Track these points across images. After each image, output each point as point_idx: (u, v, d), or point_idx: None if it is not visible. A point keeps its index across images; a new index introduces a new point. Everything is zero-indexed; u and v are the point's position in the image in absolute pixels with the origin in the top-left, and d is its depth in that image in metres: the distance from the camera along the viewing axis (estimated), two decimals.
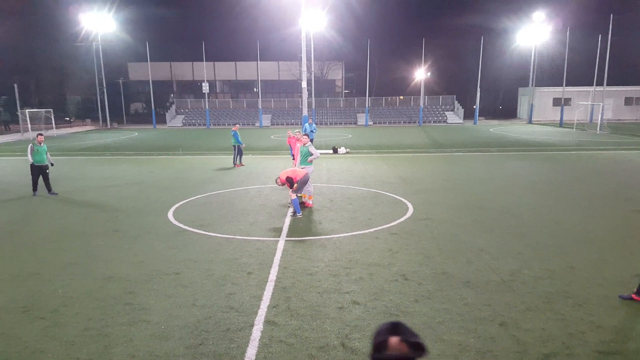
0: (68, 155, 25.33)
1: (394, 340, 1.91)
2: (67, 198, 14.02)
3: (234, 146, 20.22)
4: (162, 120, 54.76)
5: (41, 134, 14.72)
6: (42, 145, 14.30)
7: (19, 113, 39.43)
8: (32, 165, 14.18)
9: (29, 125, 38.07)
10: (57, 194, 14.42)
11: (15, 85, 40.62)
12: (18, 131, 40.14)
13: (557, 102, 53.49)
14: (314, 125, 24.69)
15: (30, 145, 14.28)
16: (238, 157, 20.28)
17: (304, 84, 32.20)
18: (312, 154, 12.43)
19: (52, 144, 31.09)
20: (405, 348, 1.90)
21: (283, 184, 11.56)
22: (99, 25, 48.42)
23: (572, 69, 48.82)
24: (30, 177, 14.34)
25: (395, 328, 1.93)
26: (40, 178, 14.37)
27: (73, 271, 7.90)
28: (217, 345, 5.46)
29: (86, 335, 5.72)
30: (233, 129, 20.74)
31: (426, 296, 6.74)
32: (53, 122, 41.43)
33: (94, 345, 5.49)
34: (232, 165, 20.22)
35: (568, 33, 46.28)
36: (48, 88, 57.31)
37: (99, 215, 11.85)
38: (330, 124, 52.66)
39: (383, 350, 1.90)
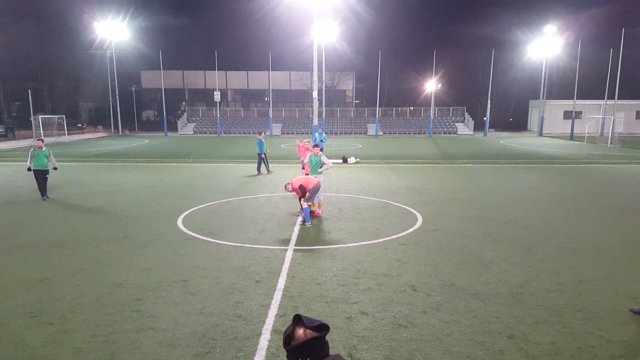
0: (79, 162, 25.60)
1: (299, 330, 2.13)
2: (77, 204, 14.16)
3: (259, 154, 20.43)
4: (173, 128, 55.24)
5: (41, 140, 15.17)
6: (43, 150, 14.64)
7: (32, 119, 39.98)
8: (33, 170, 14.55)
9: (42, 131, 38.57)
10: (49, 197, 14.74)
11: (29, 91, 41.23)
12: (28, 137, 40.64)
13: (568, 115, 53.22)
14: (324, 134, 24.74)
15: (31, 150, 14.66)
16: (263, 164, 20.60)
17: (315, 94, 32.38)
18: (324, 164, 12.45)
19: (64, 150, 31.50)
20: (311, 333, 2.13)
21: (292, 191, 11.57)
22: (113, 33, 49.18)
23: (583, 82, 48.63)
24: (35, 182, 14.75)
25: (297, 320, 2.16)
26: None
27: (82, 277, 7.96)
28: (224, 354, 5.47)
29: (94, 342, 5.75)
30: (259, 137, 20.94)
31: (435, 307, 6.70)
32: (65, 128, 41.96)
33: (101, 352, 5.52)
34: (257, 173, 20.52)
35: (580, 46, 46.13)
36: (61, 95, 58.04)
37: (109, 221, 11.94)
38: (341, 133, 52.77)
39: (292, 342, 2.14)
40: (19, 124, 47.20)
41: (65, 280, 7.82)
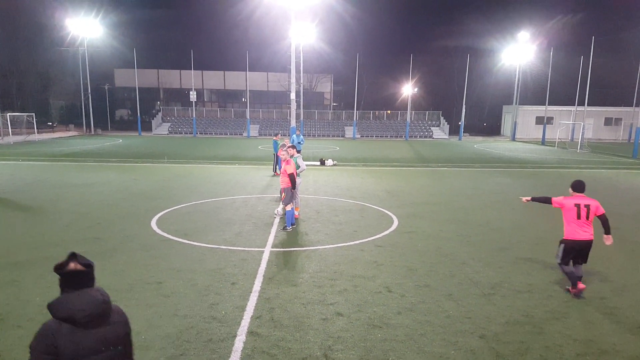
0: (50, 161, 24.98)
1: (71, 264, 2.80)
2: (47, 204, 13.80)
3: (274, 154, 20.34)
4: (147, 127, 54.42)
5: None
6: None
7: None
8: None
9: (10, 130, 37.45)
10: None
11: None
12: None
13: (539, 120, 54.60)
14: (301, 136, 24.75)
15: None
16: (277, 165, 20.43)
17: (293, 96, 32.30)
18: (299, 166, 12.45)
19: (33, 148, 30.67)
20: (80, 267, 2.82)
21: (284, 169, 11.03)
22: (85, 30, 48.12)
23: (554, 88, 49.97)
24: None
25: (71, 256, 2.82)
26: None
27: (51, 279, 7.72)
28: (199, 356, 5.42)
29: None
30: (274, 138, 20.97)
31: (409, 308, 6.79)
32: (35, 126, 40.85)
33: None
34: (273, 173, 20.46)
35: (552, 53, 47.42)
36: (31, 92, 56.54)
37: (80, 222, 11.69)
38: (318, 136, 52.89)
39: (64, 269, 2.80)
40: None
41: (34, 282, 7.63)
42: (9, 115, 37.78)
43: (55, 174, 20.12)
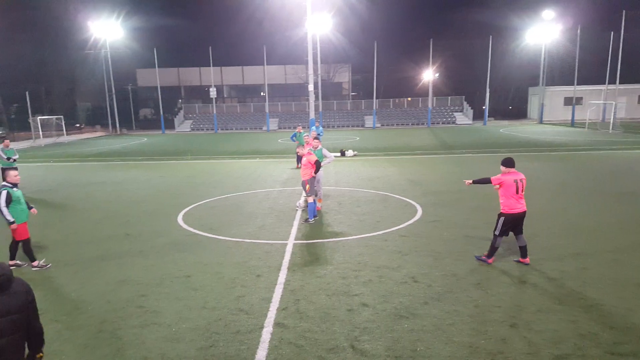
0: (79, 161, 25.60)
1: None
2: (78, 203, 14.16)
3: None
4: (170, 125, 55.15)
5: (7, 139, 16.50)
6: (9, 148, 15.75)
7: (30, 120, 39.95)
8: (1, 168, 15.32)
9: (40, 132, 38.53)
10: None
11: (27, 93, 41.16)
12: (28, 139, 40.55)
13: (568, 101, 53.02)
14: (321, 128, 24.69)
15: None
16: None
17: (311, 87, 32.26)
18: (325, 157, 12.39)
19: (63, 150, 31.47)
20: None
21: (306, 162, 11.06)
22: (107, 32, 48.91)
23: (583, 67, 48.36)
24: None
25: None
26: None
27: (85, 275, 7.98)
28: (228, 347, 5.49)
29: (99, 338, 5.79)
30: (296, 130, 21.12)
31: (436, 298, 6.72)
32: (64, 128, 41.92)
33: (107, 348, 5.55)
34: (295, 166, 20.37)
35: (579, 31, 45.85)
36: (58, 95, 58.03)
37: (110, 219, 11.96)
38: (338, 126, 52.68)
39: None
40: (18, 126, 47.13)
41: (69, 278, 7.85)
42: (39, 118, 38.87)
43: (85, 173, 20.60)
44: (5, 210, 7.81)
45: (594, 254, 8.45)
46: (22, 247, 8.26)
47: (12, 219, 7.89)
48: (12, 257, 8.35)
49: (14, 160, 15.68)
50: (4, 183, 8.03)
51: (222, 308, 6.54)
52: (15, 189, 8.07)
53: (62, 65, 57.06)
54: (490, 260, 8.05)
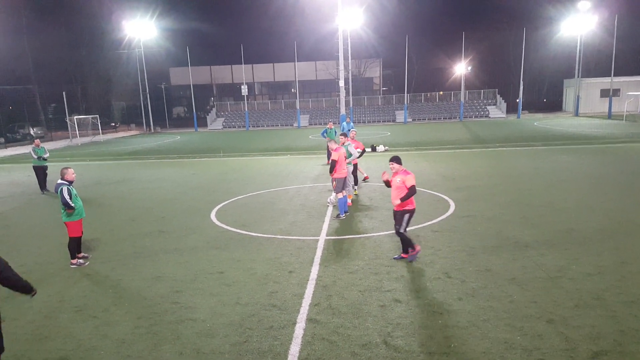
0: (114, 160, 26.34)
1: None
2: (114, 201, 14.59)
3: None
4: (203, 123, 56.06)
5: (38, 139, 17.33)
6: (40, 147, 16.34)
7: (67, 120, 41.26)
8: (33, 167, 16.40)
9: (77, 132, 39.77)
10: (48, 191, 16.11)
11: (64, 93, 42.53)
12: (65, 138, 41.93)
13: (605, 93, 51.15)
14: (351, 124, 24.62)
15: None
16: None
17: (342, 83, 32.20)
18: (351, 154, 12.38)
19: (99, 148, 32.43)
20: None
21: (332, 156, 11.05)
22: (141, 32, 50.02)
23: (620, 58, 46.57)
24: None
25: None
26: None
27: (122, 272, 8.22)
28: (261, 343, 5.56)
29: (136, 334, 5.95)
30: (327, 127, 21.09)
31: (470, 294, 6.62)
32: (99, 127, 43.16)
33: (143, 343, 5.71)
34: (325, 162, 20.32)
35: (616, 21, 44.15)
36: (94, 95, 59.74)
37: (145, 217, 12.27)
38: (369, 122, 52.41)
39: None
40: (56, 126, 48.79)
41: (106, 275, 8.10)
42: (76, 118, 40.13)
43: (120, 172, 21.19)
44: (68, 201, 8.22)
45: (633, 248, 8.15)
46: (69, 243, 8.55)
47: (74, 206, 8.30)
48: (74, 257, 8.63)
49: (44, 159, 16.27)
50: (62, 181, 8.38)
51: (255, 304, 6.62)
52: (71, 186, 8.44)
53: (98, 65, 58.70)
54: (417, 247, 8.05)
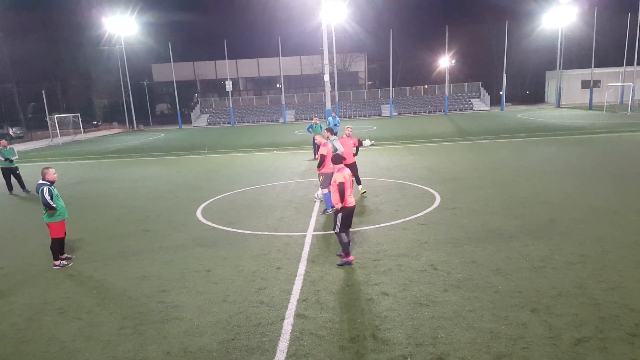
0: (97, 159, 26.00)
1: None
2: (97, 200, 14.41)
3: (314, 139, 20.42)
4: (187, 120, 55.58)
5: (4, 139, 16.57)
6: (7, 148, 15.92)
7: (47, 119, 40.50)
8: (1, 168, 15.98)
9: (58, 131, 39.07)
10: (29, 191, 15.89)
11: (43, 91, 41.73)
12: (45, 137, 41.18)
13: (585, 84, 51.96)
14: (337, 118, 24.62)
15: None
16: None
17: (327, 77, 32.16)
18: (336, 149, 12.35)
19: (81, 148, 32.00)
20: None
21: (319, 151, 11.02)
22: (121, 28, 49.27)
23: (600, 50, 47.33)
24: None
25: None
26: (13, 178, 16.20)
27: (106, 272, 8.13)
28: (249, 340, 5.56)
29: (121, 334, 5.89)
30: (313, 122, 21.31)
31: (456, 285, 6.69)
32: (81, 126, 42.48)
33: (129, 344, 5.65)
34: (312, 157, 20.35)
35: (595, 13, 44.79)
36: (75, 93, 58.80)
37: (129, 216, 12.14)
38: (354, 116, 52.48)
39: None
40: (36, 125, 47.88)
41: (90, 275, 8.01)
42: (57, 116, 39.42)
43: (103, 170, 20.93)
44: (49, 201, 8.05)
45: (615, 237, 8.31)
46: (51, 244, 8.42)
47: (55, 206, 8.13)
48: (57, 258, 8.48)
49: (11, 160, 15.78)
50: (42, 181, 8.23)
51: (243, 301, 6.61)
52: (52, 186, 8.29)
53: (78, 62, 57.69)
54: (351, 258, 7.75)
